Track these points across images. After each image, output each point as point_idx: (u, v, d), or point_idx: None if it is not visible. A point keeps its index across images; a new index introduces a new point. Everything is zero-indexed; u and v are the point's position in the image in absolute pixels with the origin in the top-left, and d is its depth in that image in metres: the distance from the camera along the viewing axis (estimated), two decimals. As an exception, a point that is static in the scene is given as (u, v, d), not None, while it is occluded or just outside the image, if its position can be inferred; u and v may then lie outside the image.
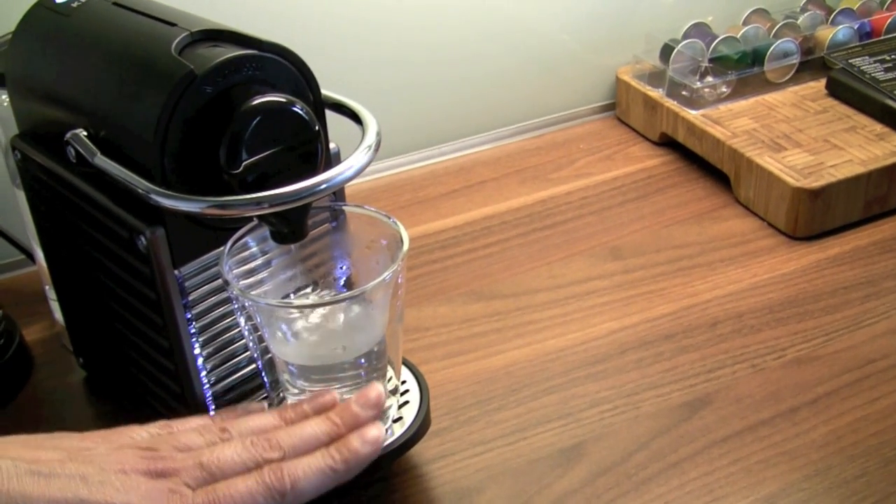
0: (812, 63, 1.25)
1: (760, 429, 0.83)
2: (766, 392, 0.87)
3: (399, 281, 0.70)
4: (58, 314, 0.96)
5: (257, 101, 0.65)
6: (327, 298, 0.77)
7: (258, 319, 0.70)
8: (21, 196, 0.88)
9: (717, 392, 0.87)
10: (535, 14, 1.27)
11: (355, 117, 0.73)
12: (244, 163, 0.64)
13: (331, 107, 0.74)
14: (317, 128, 0.67)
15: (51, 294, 0.95)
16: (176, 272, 0.70)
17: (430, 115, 1.25)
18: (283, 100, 0.66)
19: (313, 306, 0.75)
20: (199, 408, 0.75)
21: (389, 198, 1.16)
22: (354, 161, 0.67)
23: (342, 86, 0.74)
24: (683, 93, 1.20)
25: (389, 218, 0.73)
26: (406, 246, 0.70)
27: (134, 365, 0.80)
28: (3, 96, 0.85)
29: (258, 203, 0.64)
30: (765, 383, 0.88)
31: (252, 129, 0.64)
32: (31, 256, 1.00)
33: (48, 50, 0.76)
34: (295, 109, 0.66)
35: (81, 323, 0.88)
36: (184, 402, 0.75)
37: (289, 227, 0.70)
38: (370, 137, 0.69)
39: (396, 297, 0.71)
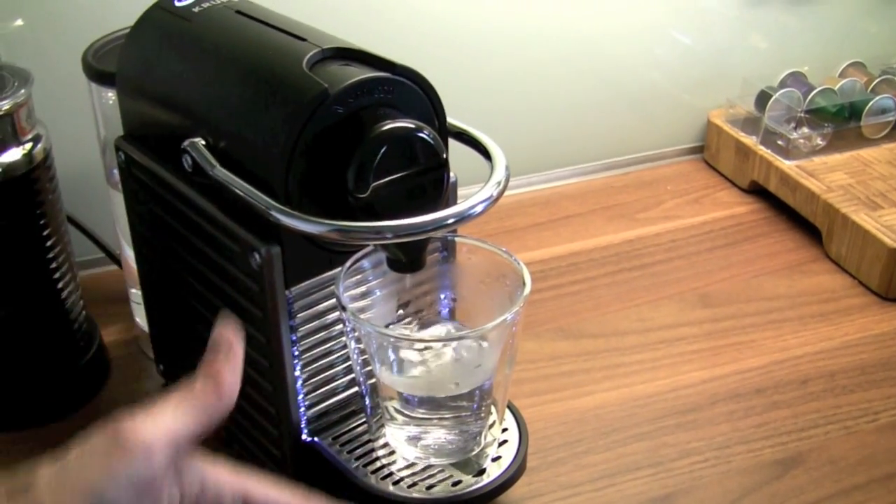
0: (909, 121, 1.24)
1: (854, 494, 0.81)
2: (860, 456, 0.85)
3: (517, 322, 0.68)
4: (139, 317, 0.95)
5: (389, 125, 0.63)
6: (449, 334, 0.76)
7: (369, 345, 0.69)
8: (115, 195, 0.87)
9: (809, 452, 0.85)
10: (630, 51, 1.25)
11: (480, 148, 0.71)
12: (371, 186, 0.63)
13: (454, 135, 0.72)
14: (444, 156, 0.66)
15: (135, 297, 0.94)
16: (287, 292, 0.69)
17: (518, 145, 1.21)
18: (414, 126, 0.64)
19: (435, 341, 0.74)
20: (293, 429, 0.74)
21: (475, 225, 1.11)
22: (484, 196, 0.66)
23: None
24: (778, 142, 1.19)
25: (512, 256, 0.72)
26: (528, 288, 0.68)
27: (225, 380, 0.79)
28: (110, 94, 0.84)
29: (380, 232, 0.63)
30: (858, 447, 0.86)
31: (382, 153, 0.63)
32: (116, 259, 0.99)
33: (166, 53, 0.75)
34: (425, 136, 0.65)
35: (167, 331, 0.87)
36: (277, 423, 0.74)
37: (407, 256, 0.68)
38: (500, 173, 0.68)
39: (511, 337, 0.69)
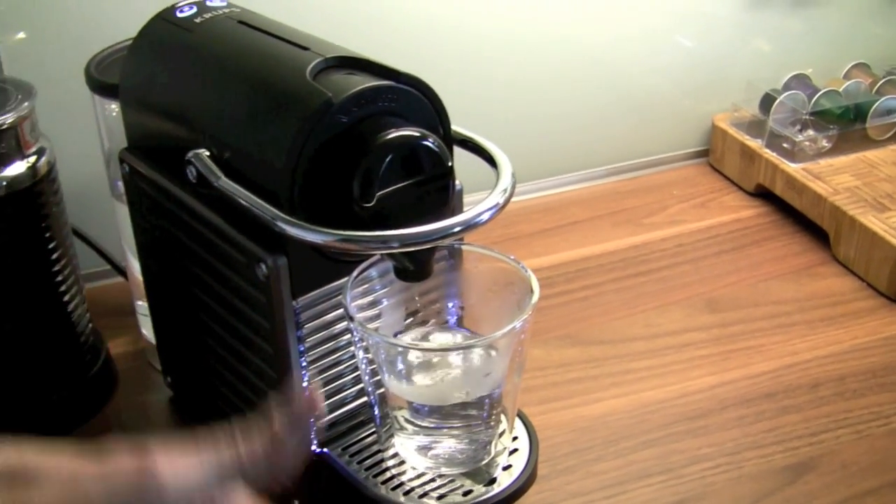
0: (913, 122, 1.23)
1: (867, 499, 0.81)
2: (872, 460, 0.84)
3: (525, 330, 0.68)
4: (145, 329, 0.95)
5: (394, 134, 0.63)
6: (457, 343, 0.75)
7: (377, 355, 0.69)
8: (119, 207, 0.87)
9: (821, 457, 0.85)
10: (633, 56, 1.25)
11: (485, 155, 0.71)
12: (377, 195, 0.63)
13: (459, 143, 0.72)
14: (450, 164, 0.66)
15: (141, 309, 0.94)
16: (294, 303, 0.68)
17: (524, 151, 1.22)
18: (419, 134, 0.64)
19: (443, 350, 0.73)
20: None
21: (480, 232, 1.11)
22: (490, 204, 0.65)
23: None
24: (784, 145, 1.18)
25: (519, 264, 0.71)
26: (536, 296, 0.68)
27: (232, 391, 0.78)
28: (113, 106, 0.84)
29: (386, 241, 0.63)
30: (870, 451, 0.85)
31: (388, 162, 0.62)
32: (121, 271, 0.99)
33: (169, 64, 0.75)
34: (430, 144, 0.64)
35: (174, 343, 0.87)
36: (286, 433, 0.73)
37: (414, 265, 0.68)
38: (505, 180, 0.68)
39: (520, 345, 0.69)
